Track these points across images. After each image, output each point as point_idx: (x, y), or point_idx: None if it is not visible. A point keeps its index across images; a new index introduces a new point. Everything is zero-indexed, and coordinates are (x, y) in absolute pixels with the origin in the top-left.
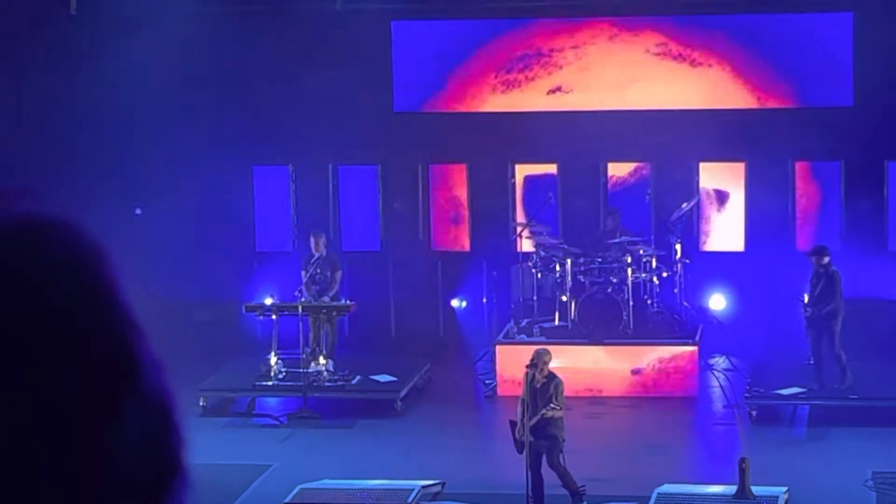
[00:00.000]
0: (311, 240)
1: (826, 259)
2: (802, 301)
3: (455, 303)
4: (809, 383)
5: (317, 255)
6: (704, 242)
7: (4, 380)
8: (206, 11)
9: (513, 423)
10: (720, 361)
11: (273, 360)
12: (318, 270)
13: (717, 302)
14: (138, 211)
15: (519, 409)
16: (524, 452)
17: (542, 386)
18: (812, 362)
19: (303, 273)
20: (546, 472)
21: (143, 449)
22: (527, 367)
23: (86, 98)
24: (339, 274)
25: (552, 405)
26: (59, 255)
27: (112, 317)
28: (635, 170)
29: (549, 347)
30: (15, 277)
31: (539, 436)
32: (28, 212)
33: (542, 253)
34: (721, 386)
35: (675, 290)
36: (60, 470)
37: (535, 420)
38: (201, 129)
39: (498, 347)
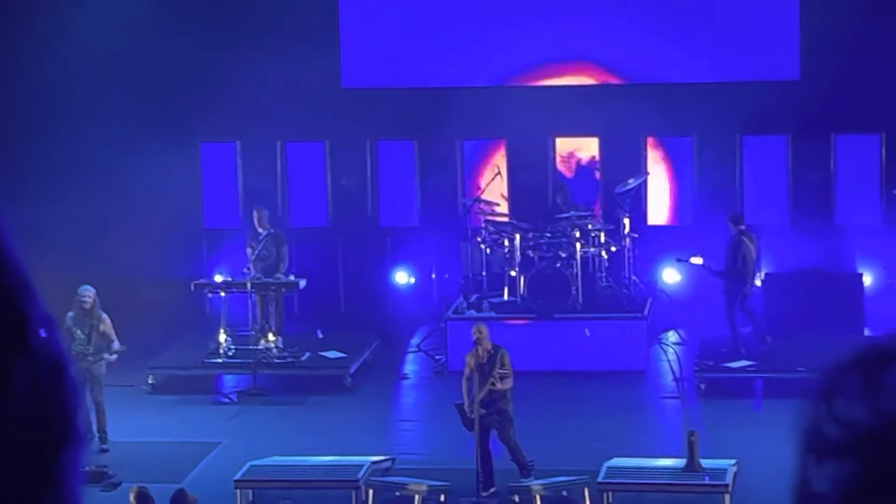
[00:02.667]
0: (255, 214)
1: (740, 226)
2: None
3: (402, 278)
4: (757, 356)
5: (263, 232)
6: (651, 216)
7: None
8: None
9: (458, 405)
10: (669, 335)
11: (222, 337)
12: (264, 248)
13: (671, 276)
14: None
15: (464, 387)
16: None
17: (489, 359)
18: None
19: (248, 250)
20: (494, 445)
21: (35, 408)
22: (471, 351)
23: (27, 76)
24: (285, 250)
25: (499, 372)
26: None
27: None
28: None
29: (500, 322)
30: None
31: (490, 410)
32: None
33: (491, 228)
34: (670, 360)
35: (625, 265)
36: None
37: (484, 392)
38: (148, 107)
39: (447, 323)
